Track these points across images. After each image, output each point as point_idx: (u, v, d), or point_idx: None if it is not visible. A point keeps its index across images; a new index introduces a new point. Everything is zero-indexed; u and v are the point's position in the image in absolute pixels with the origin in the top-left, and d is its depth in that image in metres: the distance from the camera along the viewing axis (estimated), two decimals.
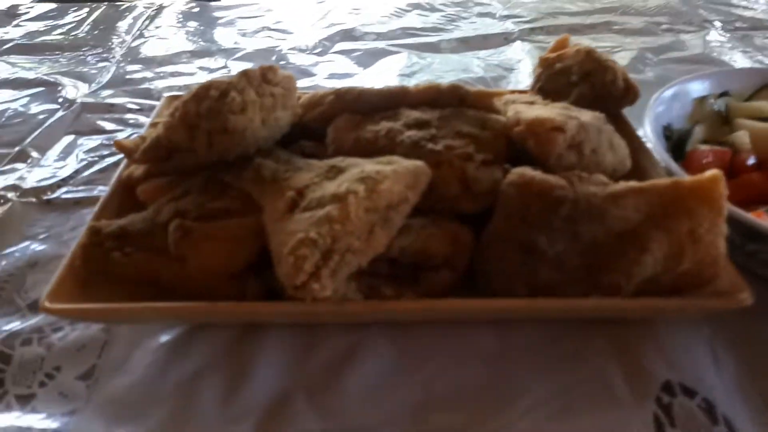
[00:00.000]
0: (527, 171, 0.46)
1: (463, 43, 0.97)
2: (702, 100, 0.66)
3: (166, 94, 0.69)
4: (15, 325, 0.49)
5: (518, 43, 0.97)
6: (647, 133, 0.57)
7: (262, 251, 0.45)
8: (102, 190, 0.60)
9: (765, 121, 0.63)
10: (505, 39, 0.99)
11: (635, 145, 0.58)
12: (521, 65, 0.90)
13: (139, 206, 0.52)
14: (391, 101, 0.56)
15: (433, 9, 1.11)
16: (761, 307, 0.47)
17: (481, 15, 1.09)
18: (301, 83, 0.87)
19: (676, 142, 0.62)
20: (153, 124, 0.59)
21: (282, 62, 0.93)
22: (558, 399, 0.42)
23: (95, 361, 0.46)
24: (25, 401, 0.42)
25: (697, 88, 0.66)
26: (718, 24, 1.04)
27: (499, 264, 0.45)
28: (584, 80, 0.64)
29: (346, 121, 0.56)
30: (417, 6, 1.12)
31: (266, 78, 0.52)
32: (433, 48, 0.96)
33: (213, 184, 0.51)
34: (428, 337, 0.47)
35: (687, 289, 0.44)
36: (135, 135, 0.71)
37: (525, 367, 0.45)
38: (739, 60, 0.91)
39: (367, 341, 0.47)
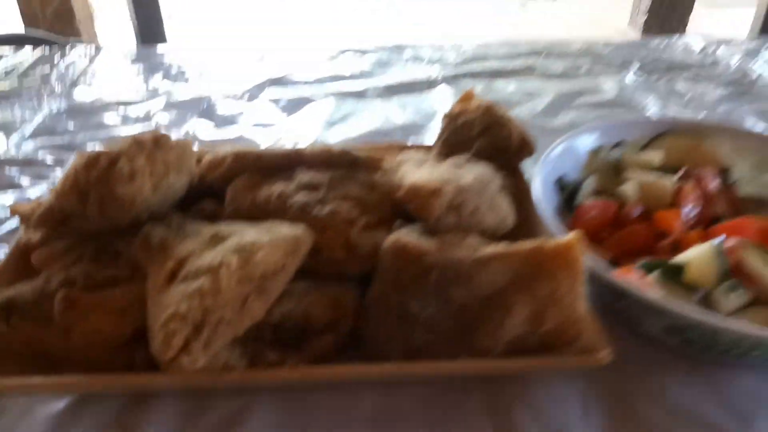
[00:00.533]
0: (402, 237, 0.47)
1: (389, 89, 1.00)
2: (597, 151, 0.69)
3: (78, 152, 0.70)
4: None
5: (442, 86, 1.00)
6: (535, 189, 0.59)
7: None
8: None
9: (656, 172, 0.67)
10: (431, 84, 1.02)
11: (526, 201, 0.60)
12: (443, 110, 0.93)
13: (37, 273, 0.53)
14: (288, 162, 0.58)
15: (365, 52, 1.14)
16: (630, 361, 0.50)
17: (412, 59, 1.12)
18: (227, 132, 0.89)
19: (568, 194, 0.64)
20: (55, 190, 0.59)
21: (209, 110, 0.94)
22: None
23: None
24: None
25: (590, 140, 0.69)
26: (635, 67, 1.09)
27: (376, 328, 0.47)
28: (484, 134, 0.67)
29: (244, 182, 0.57)
30: (349, 50, 1.15)
31: (159, 144, 0.53)
32: (360, 95, 0.98)
33: (105, 252, 0.52)
34: (314, 398, 0.48)
35: (553, 348, 0.46)
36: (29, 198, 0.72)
37: (405, 427, 0.46)
38: (652, 103, 0.95)
39: (254, 405, 0.48)
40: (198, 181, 0.58)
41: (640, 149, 0.70)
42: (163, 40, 1.55)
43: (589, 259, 0.48)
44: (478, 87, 1.00)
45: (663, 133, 0.71)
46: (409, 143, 0.76)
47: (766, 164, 0.69)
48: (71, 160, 0.68)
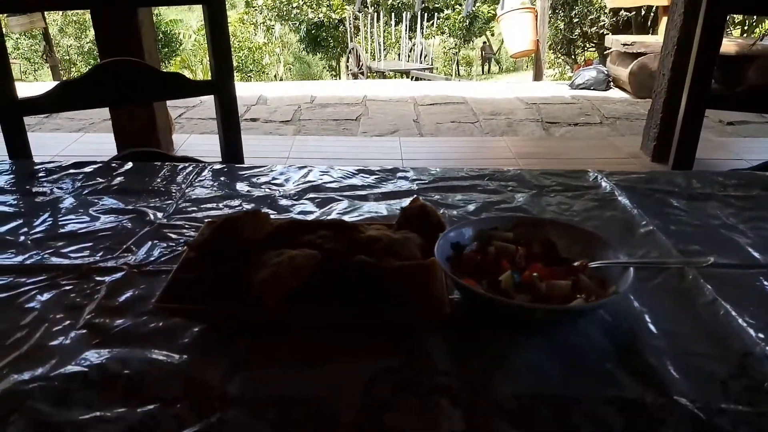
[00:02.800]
0: (361, 257, 1.04)
1: (383, 195, 1.59)
2: (481, 230, 1.25)
3: (206, 220, 1.30)
4: None
5: (415, 196, 1.59)
6: (437, 246, 1.15)
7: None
8: (171, 265, 1.19)
9: (507, 242, 1.22)
10: (409, 193, 1.61)
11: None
12: None
13: (193, 270, 1.11)
14: (314, 226, 1.16)
15: (371, 173, 1.76)
16: (469, 321, 1.03)
17: (400, 178, 1.72)
18: (284, 215, 1.48)
19: (460, 250, 1.20)
20: (200, 234, 1.19)
21: (273, 203, 1.55)
22: None
23: None
24: None
25: (478, 225, 1.25)
26: (542, 188, 1.66)
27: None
28: (419, 219, 1.24)
29: (294, 233, 1.16)
30: (362, 170, 1.77)
31: (256, 214, 1.13)
32: (364, 198, 1.57)
33: (226, 261, 1.10)
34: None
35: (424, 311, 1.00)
36: (191, 239, 1.31)
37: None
38: (539, 209, 1.52)
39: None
40: (272, 232, 1.16)
41: (505, 231, 1.26)
42: (241, 160, 2.21)
43: (454, 275, 1.04)
44: (437, 196, 1.58)
45: (519, 222, 1.27)
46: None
47: (573, 241, 1.23)
48: (203, 226, 1.29)
